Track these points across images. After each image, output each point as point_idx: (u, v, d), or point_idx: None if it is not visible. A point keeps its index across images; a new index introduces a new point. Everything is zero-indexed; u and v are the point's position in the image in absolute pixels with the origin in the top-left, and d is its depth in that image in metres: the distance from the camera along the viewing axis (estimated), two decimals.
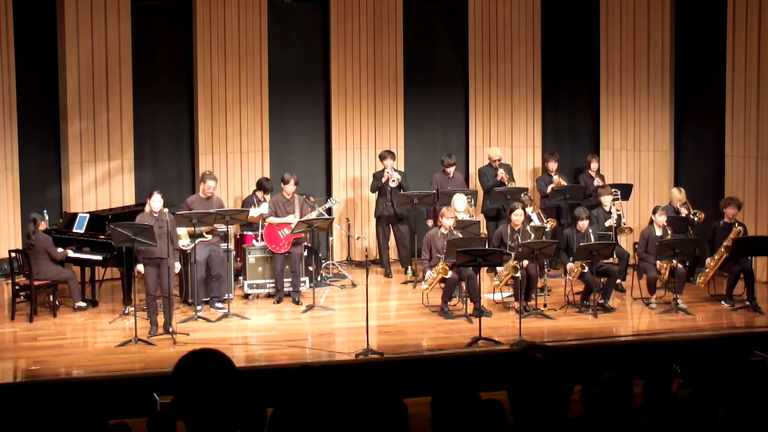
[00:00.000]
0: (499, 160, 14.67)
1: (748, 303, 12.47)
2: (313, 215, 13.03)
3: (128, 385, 9.87)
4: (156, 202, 11.68)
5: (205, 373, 3.40)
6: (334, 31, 15.16)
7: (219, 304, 12.41)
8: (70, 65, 13.87)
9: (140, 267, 11.57)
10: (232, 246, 12.95)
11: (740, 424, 4.28)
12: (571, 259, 12.37)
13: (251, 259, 13.10)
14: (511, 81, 15.53)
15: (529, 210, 13.25)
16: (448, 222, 12.42)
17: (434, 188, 14.23)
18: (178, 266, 12.04)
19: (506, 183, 14.37)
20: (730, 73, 13.97)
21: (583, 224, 12.51)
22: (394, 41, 15.34)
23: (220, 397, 3.39)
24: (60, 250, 12.43)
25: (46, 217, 13.07)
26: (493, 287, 12.77)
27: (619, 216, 13.35)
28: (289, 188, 12.98)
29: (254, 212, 13.19)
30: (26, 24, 13.75)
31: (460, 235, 12.42)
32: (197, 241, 12.24)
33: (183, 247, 12.25)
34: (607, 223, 13.27)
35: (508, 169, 14.69)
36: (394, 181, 14.15)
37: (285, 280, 12.99)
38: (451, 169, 14.39)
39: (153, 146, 14.70)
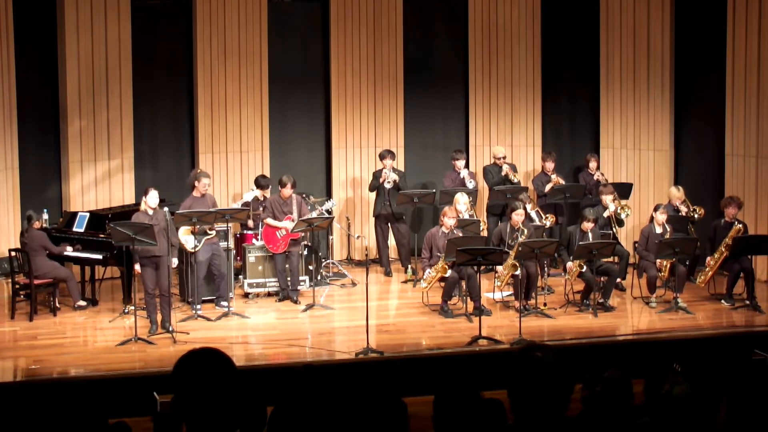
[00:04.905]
0: (504, 158, 14.72)
1: (748, 302, 12.48)
2: (313, 214, 13.04)
3: (128, 384, 9.86)
4: (152, 198, 11.68)
5: (205, 372, 3.40)
6: (334, 31, 15.16)
7: (224, 303, 12.41)
8: (70, 65, 13.87)
9: (137, 267, 11.57)
10: (232, 245, 12.95)
11: (741, 424, 4.28)
12: (571, 258, 12.38)
13: (251, 258, 13.10)
14: (511, 81, 15.53)
15: (528, 207, 13.27)
16: (449, 221, 12.43)
17: (448, 186, 14.27)
18: (175, 261, 12.06)
19: (511, 177, 14.43)
20: (730, 73, 13.97)
21: (587, 225, 12.53)
22: (394, 41, 15.34)
23: (220, 396, 3.39)
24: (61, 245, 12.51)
25: (45, 216, 13.11)
26: (493, 286, 12.77)
27: (616, 209, 13.36)
28: (286, 191, 12.97)
29: (246, 197, 13.27)
30: (26, 24, 13.75)
31: (461, 234, 12.43)
32: (204, 239, 12.26)
33: (191, 250, 12.26)
34: (605, 214, 13.30)
35: (514, 168, 14.73)
36: (389, 182, 14.18)
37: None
38: (460, 163, 14.42)
39: (153, 145, 14.71)
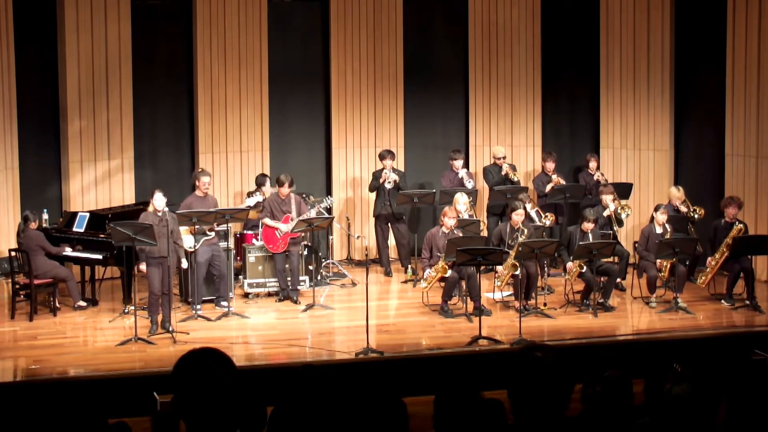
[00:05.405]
0: (504, 158, 14.72)
1: (748, 302, 12.48)
2: (312, 213, 13.04)
3: (128, 384, 9.86)
4: (159, 200, 11.69)
5: (205, 372, 3.40)
6: (334, 31, 15.16)
7: (224, 303, 12.41)
8: (70, 65, 13.87)
9: (143, 266, 11.57)
10: (232, 245, 12.95)
11: (741, 424, 4.28)
12: (571, 258, 12.38)
13: (251, 258, 13.10)
14: (511, 81, 15.52)
15: (528, 207, 13.28)
16: (449, 221, 12.43)
17: (447, 186, 14.26)
18: (185, 263, 12.07)
19: (511, 177, 14.44)
20: (730, 73, 13.97)
21: (588, 226, 12.53)
22: (394, 41, 15.34)
23: (220, 396, 3.39)
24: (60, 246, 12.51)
25: (45, 216, 13.10)
26: (493, 286, 12.77)
27: (616, 208, 13.37)
28: (284, 190, 12.97)
29: (249, 201, 13.30)
30: (26, 24, 13.75)
31: (461, 234, 12.43)
32: (202, 240, 12.25)
33: (188, 249, 12.26)
34: (605, 214, 13.31)
35: (513, 168, 14.73)
36: (389, 182, 14.18)
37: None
38: (458, 163, 14.41)
39: (153, 145, 14.70)
